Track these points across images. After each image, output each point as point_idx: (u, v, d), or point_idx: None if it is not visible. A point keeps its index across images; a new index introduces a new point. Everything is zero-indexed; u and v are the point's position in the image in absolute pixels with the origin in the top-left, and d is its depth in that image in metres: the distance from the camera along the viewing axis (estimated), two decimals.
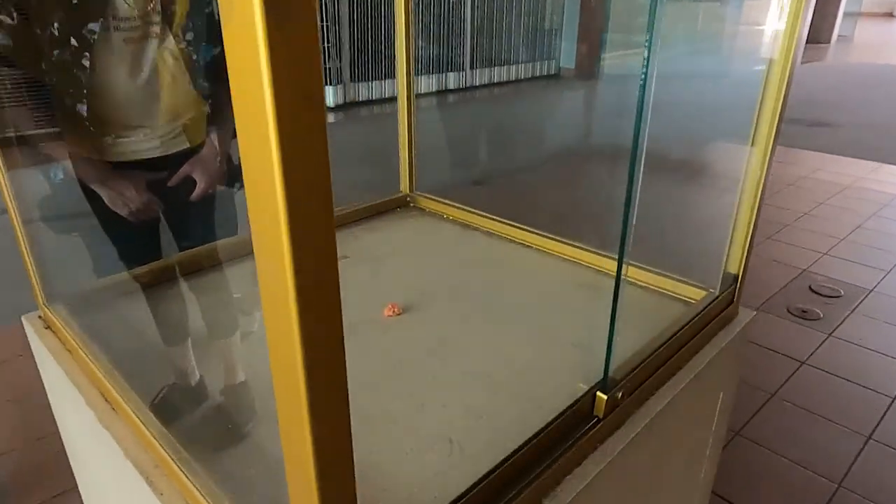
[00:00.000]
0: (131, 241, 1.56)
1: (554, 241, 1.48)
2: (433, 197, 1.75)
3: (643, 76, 0.70)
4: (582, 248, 1.44)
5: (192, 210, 1.57)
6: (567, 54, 9.55)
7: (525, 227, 1.55)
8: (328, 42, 7.14)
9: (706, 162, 4.95)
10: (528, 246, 1.52)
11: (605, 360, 0.90)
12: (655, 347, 1.01)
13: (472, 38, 8.62)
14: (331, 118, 7.17)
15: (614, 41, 9.22)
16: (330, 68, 7.22)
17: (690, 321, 1.09)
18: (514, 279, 1.38)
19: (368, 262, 1.44)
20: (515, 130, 6.64)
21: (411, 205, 1.78)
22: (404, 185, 1.78)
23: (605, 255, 1.40)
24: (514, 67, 9.30)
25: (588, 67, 9.44)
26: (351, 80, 7.50)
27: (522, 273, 1.41)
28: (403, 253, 1.50)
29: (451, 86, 8.73)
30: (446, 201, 1.72)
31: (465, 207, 1.68)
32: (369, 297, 1.27)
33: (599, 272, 1.39)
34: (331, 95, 7.34)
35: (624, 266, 0.88)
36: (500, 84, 9.11)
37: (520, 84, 9.27)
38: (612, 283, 0.87)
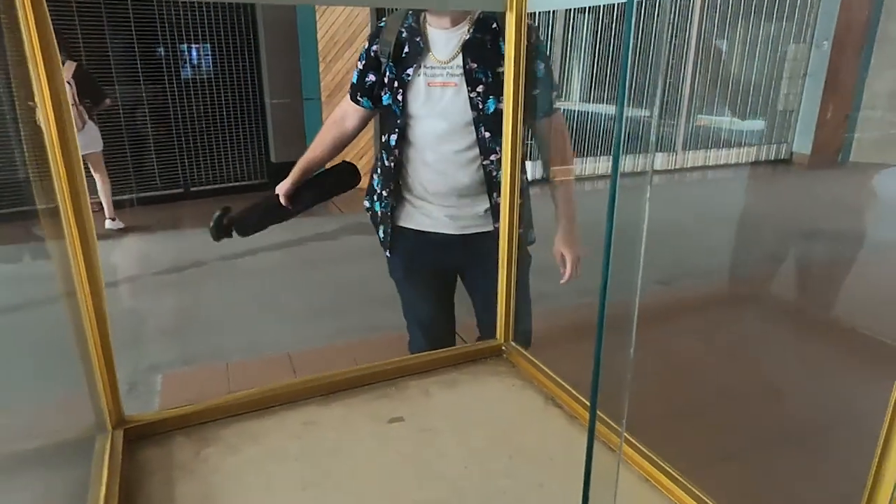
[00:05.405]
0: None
1: None
2: (532, 359, 1.23)
3: None
4: None
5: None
6: (803, 136, 8.23)
7: None
8: None
9: None
10: None
11: None
12: None
13: (686, 116, 7.83)
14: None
15: (868, 121, 7.73)
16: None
17: None
18: None
19: (420, 432, 0.97)
20: (723, 224, 5.68)
21: (504, 356, 1.29)
22: (500, 331, 1.30)
23: None
24: (734, 150, 8.24)
25: (830, 153, 8.02)
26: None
27: None
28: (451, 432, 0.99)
29: (658, 167, 7.97)
30: (552, 374, 1.18)
31: (582, 398, 1.08)
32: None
33: None
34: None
35: None
36: (715, 167, 8.12)
37: (741, 169, 8.16)
38: None
